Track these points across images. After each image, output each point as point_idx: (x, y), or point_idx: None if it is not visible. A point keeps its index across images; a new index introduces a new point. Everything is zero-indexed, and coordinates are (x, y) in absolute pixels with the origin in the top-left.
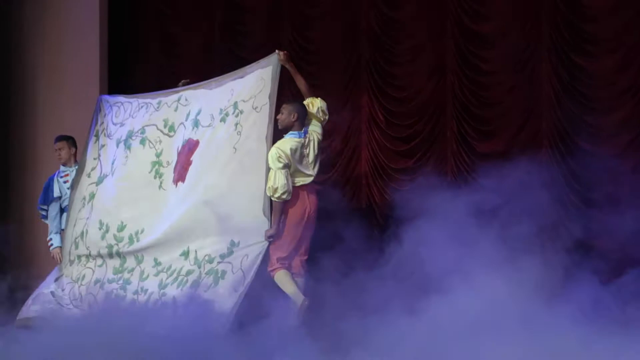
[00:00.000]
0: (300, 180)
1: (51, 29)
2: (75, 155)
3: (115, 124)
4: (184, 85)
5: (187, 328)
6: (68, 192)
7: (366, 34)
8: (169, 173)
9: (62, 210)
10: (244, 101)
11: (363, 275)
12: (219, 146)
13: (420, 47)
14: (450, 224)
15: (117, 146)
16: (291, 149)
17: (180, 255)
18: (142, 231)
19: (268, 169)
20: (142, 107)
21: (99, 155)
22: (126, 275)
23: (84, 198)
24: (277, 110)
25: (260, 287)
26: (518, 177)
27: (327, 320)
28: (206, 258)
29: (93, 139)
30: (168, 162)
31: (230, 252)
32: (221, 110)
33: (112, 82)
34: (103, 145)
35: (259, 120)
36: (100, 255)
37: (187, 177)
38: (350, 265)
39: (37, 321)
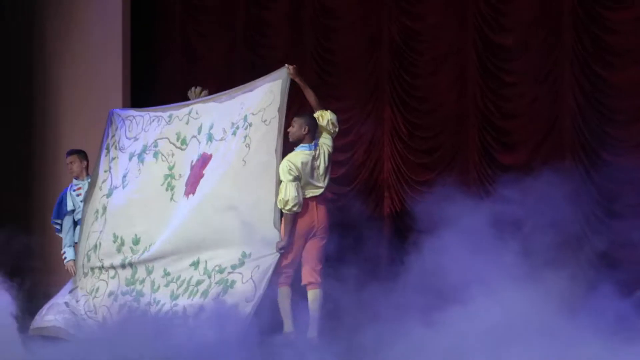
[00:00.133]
0: (311, 192)
1: (75, 40)
2: (87, 168)
3: (129, 138)
4: (196, 93)
5: (203, 338)
6: (81, 205)
7: (388, 46)
8: (180, 186)
9: (75, 224)
10: (253, 114)
11: (384, 286)
12: (229, 159)
13: (442, 59)
14: (473, 236)
15: (130, 160)
16: (302, 162)
17: (190, 265)
18: (153, 243)
19: (279, 182)
20: (153, 120)
21: (110, 167)
22: (138, 286)
23: (97, 211)
24: (287, 123)
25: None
26: (540, 188)
27: (346, 331)
28: (216, 268)
29: (104, 152)
30: (180, 174)
31: (242, 263)
32: (232, 123)
33: (134, 94)
34: (114, 158)
35: (269, 133)
36: (112, 267)
37: (198, 189)
38: (371, 276)
39: (51, 330)
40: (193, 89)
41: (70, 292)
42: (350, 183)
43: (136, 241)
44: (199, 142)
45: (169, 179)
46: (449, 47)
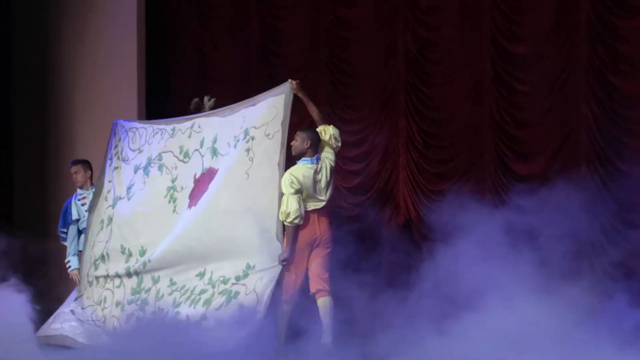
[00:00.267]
0: (312, 205)
1: (89, 51)
2: (91, 178)
3: (133, 150)
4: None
5: (215, 345)
6: (86, 214)
7: (403, 56)
8: (182, 198)
9: (79, 233)
10: (255, 128)
11: (399, 294)
12: (231, 172)
13: (457, 69)
14: (488, 245)
15: (136, 172)
16: (304, 175)
17: (196, 275)
18: (152, 254)
19: (281, 194)
20: (157, 133)
21: (112, 177)
22: (143, 295)
23: (102, 221)
24: (290, 137)
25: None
26: (556, 198)
27: (360, 338)
28: (221, 279)
29: (108, 162)
30: (182, 187)
31: (246, 275)
32: (235, 137)
33: (149, 104)
34: (116, 168)
35: (272, 147)
36: (118, 276)
37: (200, 202)
38: (386, 285)
39: (57, 339)
40: (206, 98)
41: (75, 300)
42: (366, 192)
43: (142, 252)
44: (202, 156)
45: (172, 191)
46: (464, 57)
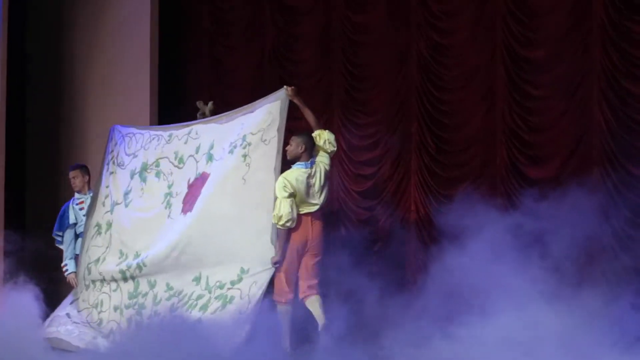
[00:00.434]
0: (306, 209)
1: (103, 54)
2: (89, 182)
3: (128, 155)
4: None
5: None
6: (84, 218)
7: (416, 61)
8: (177, 203)
9: (77, 236)
10: (252, 134)
11: (411, 298)
12: (227, 177)
13: (470, 74)
14: (500, 249)
15: (132, 177)
16: (297, 179)
17: (193, 280)
18: (147, 256)
19: (276, 198)
20: (153, 138)
21: (110, 183)
22: (140, 299)
23: (99, 226)
24: (286, 142)
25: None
26: (568, 203)
27: (371, 340)
28: (217, 284)
29: (105, 167)
30: (177, 192)
31: (240, 279)
32: (231, 143)
33: (162, 107)
34: (112, 173)
35: (268, 152)
36: (114, 280)
37: (195, 207)
38: (398, 288)
39: (52, 342)
40: (211, 103)
41: (71, 303)
42: (377, 196)
43: (136, 256)
44: (197, 162)
45: (168, 197)
46: (477, 61)
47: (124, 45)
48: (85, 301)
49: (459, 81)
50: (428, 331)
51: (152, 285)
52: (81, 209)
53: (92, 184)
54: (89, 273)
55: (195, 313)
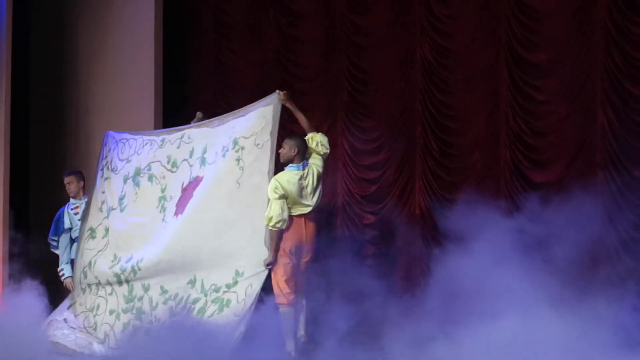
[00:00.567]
0: (299, 210)
1: (107, 58)
2: (83, 188)
3: (121, 160)
4: (199, 118)
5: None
6: (78, 223)
7: (420, 64)
8: (171, 207)
9: (72, 241)
10: (245, 138)
11: (414, 302)
12: (221, 180)
13: (473, 77)
14: (504, 253)
15: (125, 182)
16: (287, 181)
17: (188, 283)
18: (141, 260)
19: (268, 200)
20: (146, 143)
21: (105, 188)
22: (137, 304)
23: (91, 229)
24: (279, 145)
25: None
26: (572, 206)
27: (370, 343)
28: (212, 287)
29: (100, 172)
30: (171, 196)
31: (235, 282)
32: (223, 147)
33: (166, 110)
34: (107, 178)
35: (261, 156)
36: (109, 283)
37: (186, 209)
38: (402, 292)
39: (49, 345)
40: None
41: (68, 308)
42: (382, 201)
43: (128, 259)
44: (191, 166)
45: (162, 201)
46: (480, 65)
47: (128, 47)
48: (82, 305)
49: (463, 84)
50: (432, 334)
51: (146, 289)
52: (76, 214)
53: (87, 189)
54: (85, 277)
55: (193, 317)
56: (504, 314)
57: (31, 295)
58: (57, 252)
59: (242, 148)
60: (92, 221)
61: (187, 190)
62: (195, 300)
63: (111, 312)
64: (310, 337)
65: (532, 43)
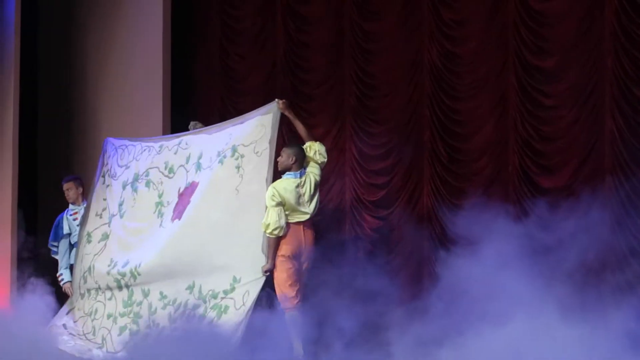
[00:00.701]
0: (297, 218)
1: (115, 64)
2: (82, 194)
3: (120, 166)
4: (194, 126)
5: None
6: (77, 229)
7: (428, 69)
8: (168, 212)
9: (71, 246)
10: (244, 145)
11: (423, 307)
12: (219, 187)
13: (482, 83)
14: (512, 259)
15: (124, 188)
16: (284, 188)
17: (186, 289)
18: (139, 265)
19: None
20: (145, 150)
21: (107, 195)
22: (135, 308)
23: (88, 234)
24: (277, 153)
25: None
26: (580, 212)
27: (377, 347)
28: (210, 293)
29: (100, 179)
30: (168, 202)
31: (233, 289)
32: (219, 152)
33: (174, 116)
34: (108, 185)
35: (260, 163)
36: (109, 288)
37: (184, 215)
38: (410, 297)
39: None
40: (193, 123)
41: (67, 313)
42: (390, 206)
43: (124, 264)
44: (187, 171)
45: (160, 206)
46: (489, 70)
47: (136, 51)
48: (81, 310)
49: (471, 90)
50: (439, 339)
51: (145, 294)
52: (75, 219)
53: (86, 195)
54: (85, 282)
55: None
56: (511, 319)
57: (38, 296)
58: (57, 257)
59: (242, 156)
60: (89, 226)
61: (184, 196)
62: (195, 307)
63: (109, 316)
64: (318, 341)
65: (540, 48)
